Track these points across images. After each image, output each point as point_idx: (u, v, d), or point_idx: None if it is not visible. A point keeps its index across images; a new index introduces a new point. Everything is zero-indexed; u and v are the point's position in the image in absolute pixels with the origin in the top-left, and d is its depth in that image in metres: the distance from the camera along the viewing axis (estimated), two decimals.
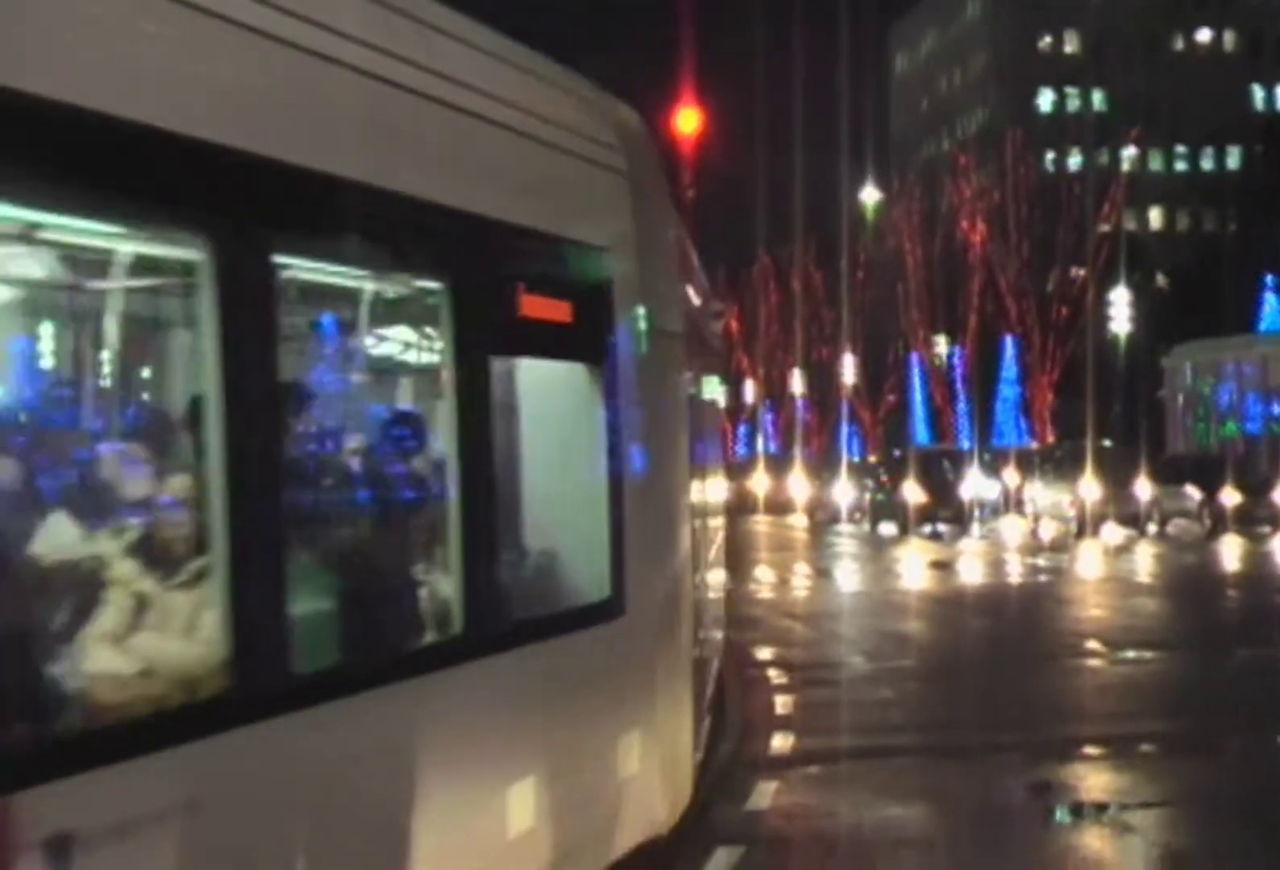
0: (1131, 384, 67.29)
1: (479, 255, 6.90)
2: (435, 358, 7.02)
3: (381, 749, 5.95)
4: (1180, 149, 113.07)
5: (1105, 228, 74.10)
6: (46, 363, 5.79)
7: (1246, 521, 45.30)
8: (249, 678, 5.04)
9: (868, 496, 50.34)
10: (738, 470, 65.90)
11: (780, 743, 14.00)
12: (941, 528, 46.79)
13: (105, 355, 6.09)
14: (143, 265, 5.51)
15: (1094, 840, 11.21)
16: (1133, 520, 45.15)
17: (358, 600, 6.31)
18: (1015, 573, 34.52)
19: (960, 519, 47.34)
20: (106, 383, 6.07)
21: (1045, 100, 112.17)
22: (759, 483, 61.49)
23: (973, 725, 15.20)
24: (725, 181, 53.03)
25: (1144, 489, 45.97)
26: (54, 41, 4.46)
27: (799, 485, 58.52)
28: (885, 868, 10.35)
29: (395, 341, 7.46)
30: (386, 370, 7.52)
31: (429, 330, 7.11)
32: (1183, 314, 79.60)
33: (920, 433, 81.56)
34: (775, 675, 17.84)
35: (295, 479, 5.90)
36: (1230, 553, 39.51)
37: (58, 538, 5.11)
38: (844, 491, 53.67)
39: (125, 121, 4.70)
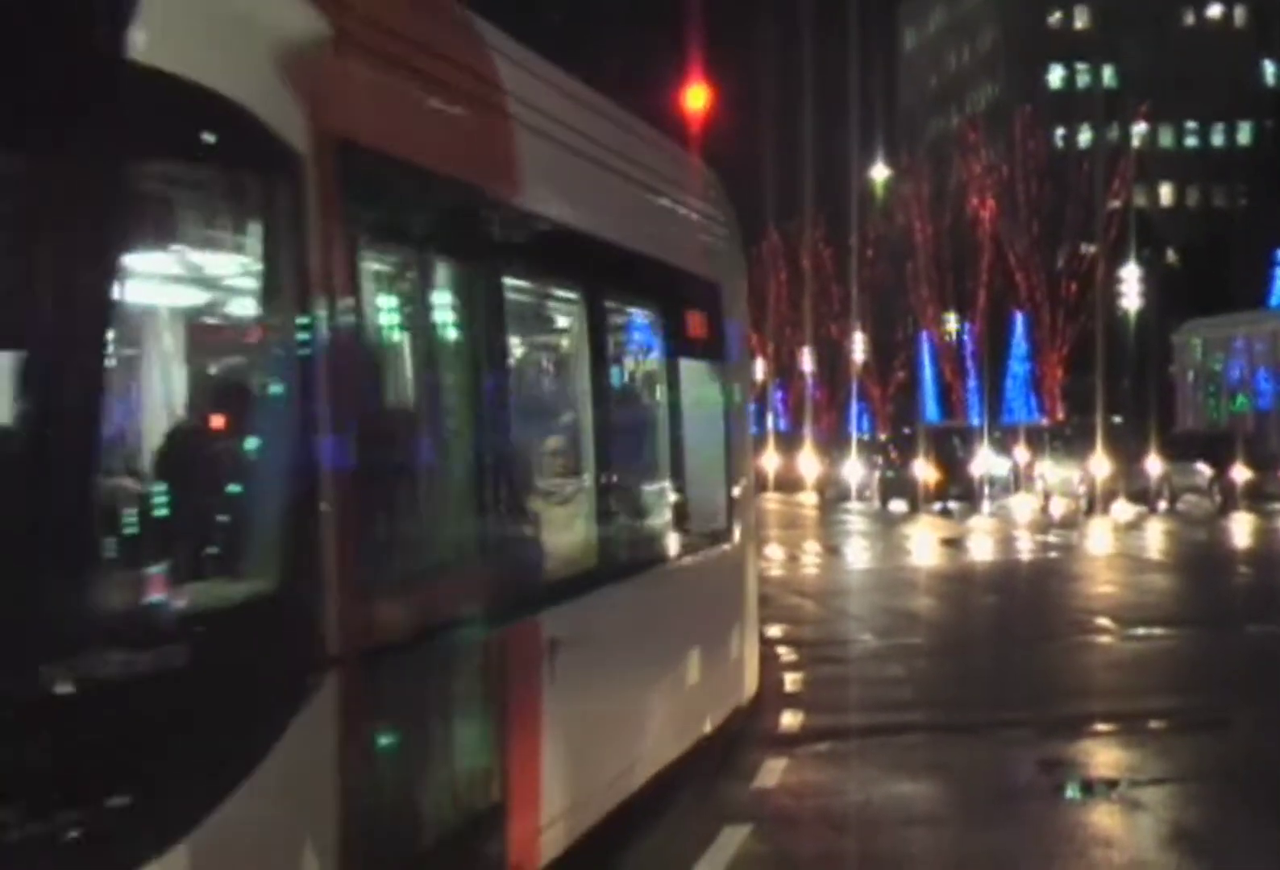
0: (1141, 360, 67.18)
1: (671, 291, 10.62)
2: (655, 361, 10.57)
3: (650, 612, 9.62)
4: (1191, 125, 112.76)
5: (1115, 204, 73.88)
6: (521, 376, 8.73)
7: (1257, 498, 45.24)
8: (601, 559, 8.78)
9: (878, 474, 50.32)
10: None
11: (789, 720, 13.98)
12: (951, 505, 46.78)
13: (535, 367, 9.24)
14: (558, 309, 9.11)
15: (1103, 817, 11.18)
16: (1143, 497, 45.11)
17: (643, 517, 10.01)
18: (1025, 550, 34.54)
19: (970, 496, 47.34)
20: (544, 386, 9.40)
21: (1055, 76, 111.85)
22: (769, 461, 61.42)
23: (982, 702, 15.20)
24: (734, 158, 52.90)
25: (1154, 465, 45.93)
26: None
27: (809, 463, 58.48)
28: (894, 845, 10.33)
29: (637, 350, 10.68)
30: (635, 370, 10.66)
31: (651, 343, 10.55)
32: (1193, 290, 79.46)
33: (930, 410, 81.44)
34: (785, 652, 17.81)
35: (615, 447, 9.28)
36: (1240, 529, 39.48)
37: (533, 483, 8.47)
38: (854, 469, 53.66)
39: (573, 230, 8.56)
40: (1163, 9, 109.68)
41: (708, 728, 10.94)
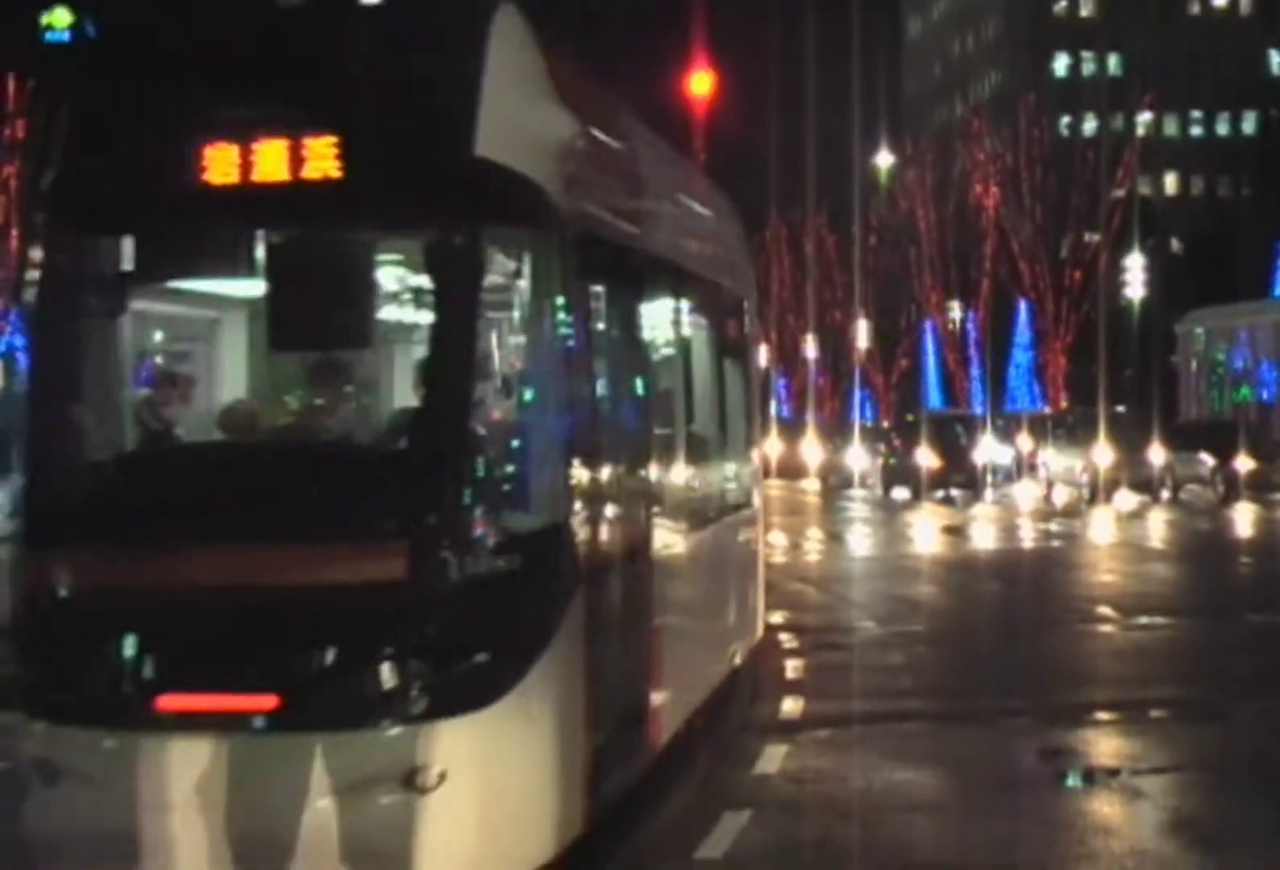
0: (1145, 349, 67.04)
1: (721, 306, 13.56)
2: (718, 360, 13.20)
3: (711, 557, 12.33)
4: (1195, 114, 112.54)
5: (1119, 193, 73.71)
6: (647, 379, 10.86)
7: (1260, 488, 45.14)
8: (697, 514, 11.61)
9: (880, 461, 50.25)
10: None
11: (790, 707, 13.99)
12: (954, 493, 46.74)
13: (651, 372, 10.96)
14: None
15: (1104, 805, 11.19)
16: (1145, 486, 45.02)
17: (710, 482, 12.67)
18: (1028, 538, 34.52)
19: (973, 484, 47.24)
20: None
21: (1060, 64, 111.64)
22: (771, 448, 61.24)
23: (984, 690, 15.19)
24: (738, 144, 52.84)
25: (1157, 455, 45.83)
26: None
27: (812, 450, 58.38)
28: (895, 832, 10.33)
29: (709, 352, 13.06)
30: (710, 369, 13.03)
31: (715, 346, 13.16)
32: (1196, 279, 79.36)
33: (933, 397, 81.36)
34: (786, 639, 17.81)
35: (705, 427, 12.39)
36: (1243, 519, 39.46)
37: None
38: (857, 456, 53.60)
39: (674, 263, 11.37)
40: None
41: (738, 660, 13.42)
